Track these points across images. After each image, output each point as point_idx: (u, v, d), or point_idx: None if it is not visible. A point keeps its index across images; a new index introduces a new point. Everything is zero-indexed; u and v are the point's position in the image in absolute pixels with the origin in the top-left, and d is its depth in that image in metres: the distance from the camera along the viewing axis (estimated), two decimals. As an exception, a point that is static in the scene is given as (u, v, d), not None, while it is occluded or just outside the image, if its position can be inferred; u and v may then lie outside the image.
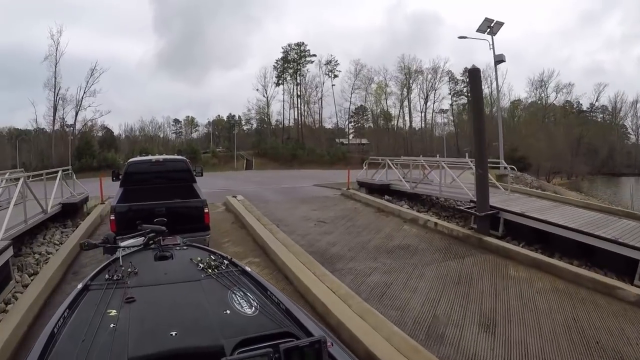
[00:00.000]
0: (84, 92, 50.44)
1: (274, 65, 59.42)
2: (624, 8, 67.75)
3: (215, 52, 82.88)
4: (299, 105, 59.80)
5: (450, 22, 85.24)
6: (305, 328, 1.54)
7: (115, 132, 60.26)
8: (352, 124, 63.94)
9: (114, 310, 1.58)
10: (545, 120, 52.68)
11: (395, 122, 60.41)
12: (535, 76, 54.26)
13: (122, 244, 2.46)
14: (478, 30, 17.71)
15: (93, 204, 11.00)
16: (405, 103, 58.28)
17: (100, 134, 56.35)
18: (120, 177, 7.06)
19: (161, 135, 63.10)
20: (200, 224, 5.63)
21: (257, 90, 59.28)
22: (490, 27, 17.52)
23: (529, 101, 55.71)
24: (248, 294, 1.80)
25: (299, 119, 60.32)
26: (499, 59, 17.73)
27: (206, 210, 5.76)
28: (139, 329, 1.45)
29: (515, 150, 37.11)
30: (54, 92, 48.57)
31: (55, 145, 47.20)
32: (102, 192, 11.37)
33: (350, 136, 62.41)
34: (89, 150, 47.21)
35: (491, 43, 17.33)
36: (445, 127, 59.35)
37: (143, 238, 2.56)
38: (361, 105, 60.92)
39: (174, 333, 1.42)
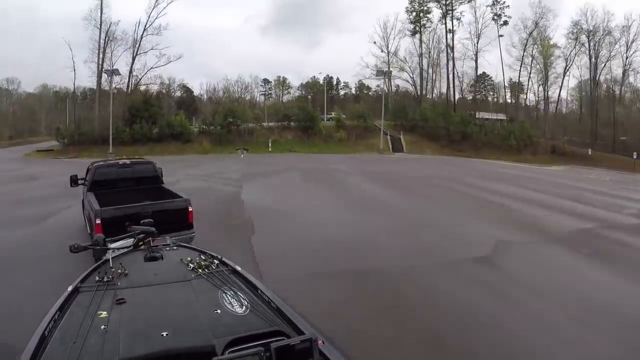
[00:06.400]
0: (144, 29, 33.80)
1: (406, 8, 43.41)
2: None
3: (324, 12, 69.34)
4: (451, 61, 42.93)
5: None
6: (296, 326, 1.50)
7: (196, 92, 47.91)
8: (473, 95, 47.84)
9: (105, 312, 1.56)
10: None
11: (557, 93, 43.86)
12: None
13: (112, 245, 2.40)
14: None
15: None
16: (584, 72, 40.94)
17: (177, 94, 43.37)
18: (86, 182, 7.01)
19: (248, 98, 49.78)
20: (184, 223, 5.76)
21: (375, 42, 44.56)
22: None
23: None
24: (239, 293, 1.76)
25: (450, 80, 43.82)
26: None
27: (190, 209, 5.91)
28: (129, 330, 1.42)
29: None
30: (100, 29, 32.15)
31: (104, 104, 31.91)
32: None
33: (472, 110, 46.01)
34: (147, 112, 31.16)
35: None
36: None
37: (132, 239, 2.47)
38: (483, 72, 45.57)
39: (164, 334, 1.39)
